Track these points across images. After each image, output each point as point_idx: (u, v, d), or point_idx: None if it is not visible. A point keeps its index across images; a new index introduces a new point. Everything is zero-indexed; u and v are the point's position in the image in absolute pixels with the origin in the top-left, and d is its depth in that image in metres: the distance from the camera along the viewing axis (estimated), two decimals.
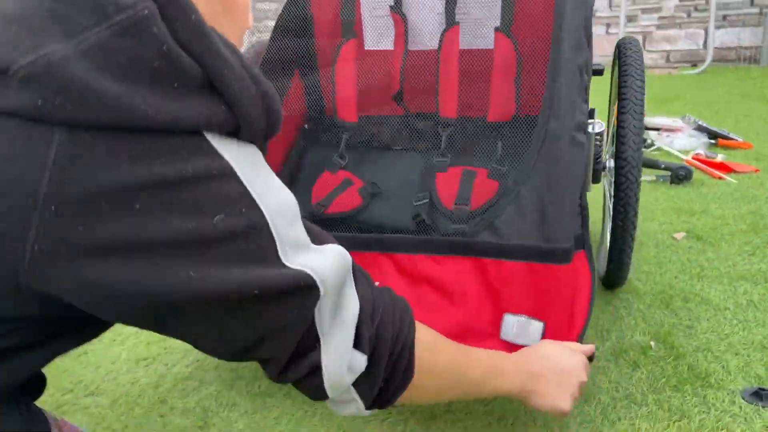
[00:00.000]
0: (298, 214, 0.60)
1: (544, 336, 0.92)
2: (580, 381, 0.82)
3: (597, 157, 1.45)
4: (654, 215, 1.83)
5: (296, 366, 0.60)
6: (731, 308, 1.29)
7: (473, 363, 0.78)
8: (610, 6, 4.94)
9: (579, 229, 0.94)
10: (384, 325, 0.66)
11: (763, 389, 1.01)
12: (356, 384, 0.63)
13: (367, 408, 0.67)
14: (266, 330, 0.56)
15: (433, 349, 0.74)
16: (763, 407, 0.98)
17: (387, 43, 1.41)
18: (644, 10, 4.85)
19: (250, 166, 0.55)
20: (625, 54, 1.29)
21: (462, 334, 0.95)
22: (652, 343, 1.18)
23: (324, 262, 0.59)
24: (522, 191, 0.92)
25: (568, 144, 0.92)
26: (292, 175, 1.37)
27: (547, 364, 0.82)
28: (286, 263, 0.55)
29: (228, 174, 0.53)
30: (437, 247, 0.97)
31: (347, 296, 0.62)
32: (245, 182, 0.54)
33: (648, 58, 4.92)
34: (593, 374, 1.09)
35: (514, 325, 0.92)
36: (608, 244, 1.50)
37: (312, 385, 0.61)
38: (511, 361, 0.81)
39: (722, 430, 0.94)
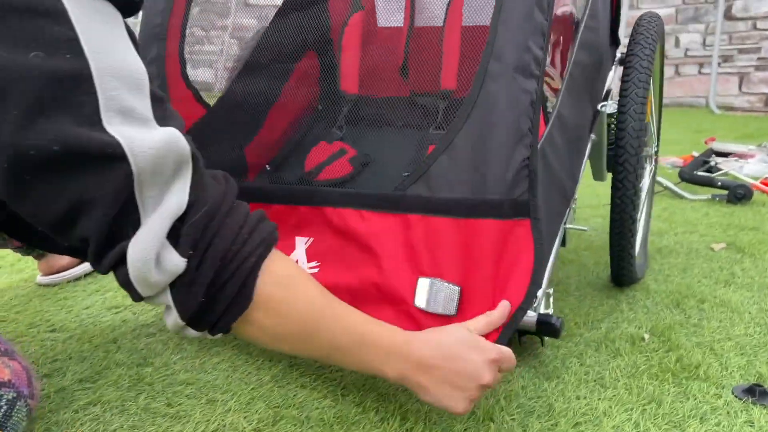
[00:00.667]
0: (145, 86, 0.56)
1: (460, 303, 0.81)
2: (480, 384, 0.69)
3: (612, 143, 1.35)
4: (696, 228, 1.67)
5: (110, 253, 0.56)
6: (752, 312, 1.13)
7: (340, 322, 0.69)
8: (704, 45, 4.71)
9: (524, 193, 0.84)
10: (221, 236, 0.60)
11: (759, 386, 0.87)
12: (173, 288, 0.59)
13: (188, 322, 0.62)
14: (73, 200, 0.53)
15: (287, 286, 0.66)
16: (753, 403, 0.84)
17: (398, 20, 1.39)
18: (741, 50, 4.59)
19: (92, 18, 0.53)
20: (637, 28, 1.20)
21: (380, 296, 0.87)
22: (646, 335, 1.05)
23: (147, 138, 0.54)
24: (456, 139, 0.84)
25: (506, 86, 0.82)
26: (293, 147, 1.37)
27: (441, 357, 0.69)
28: (106, 127, 0.52)
29: (58, 15, 0.51)
30: (364, 201, 0.90)
31: (175, 189, 0.57)
32: (78, 29, 0.51)
33: (744, 101, 4.63)
34: (564, 356, 0.98)
35: (426, 289, 0.81)
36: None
37: (123, 276, 0.57)
38: (397, 339, 0.70)
39: (696, 418, 0.81)
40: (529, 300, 0.84)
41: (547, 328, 0.92)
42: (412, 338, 0.71)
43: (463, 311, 0.82)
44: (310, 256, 0.96)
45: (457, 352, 0.70)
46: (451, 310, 0.82)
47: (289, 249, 0.95)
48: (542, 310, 1.02)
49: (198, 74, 1.16)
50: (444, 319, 0.82)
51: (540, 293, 0.96)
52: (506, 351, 0.74)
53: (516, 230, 0.82)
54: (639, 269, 1.30)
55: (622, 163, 1.11)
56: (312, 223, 0.96)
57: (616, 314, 1.13)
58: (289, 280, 0.66)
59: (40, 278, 1.32)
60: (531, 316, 0.93)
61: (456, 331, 0.73)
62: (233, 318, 0.62)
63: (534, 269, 0.85)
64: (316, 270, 0.93)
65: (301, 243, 0.97)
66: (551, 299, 1.04)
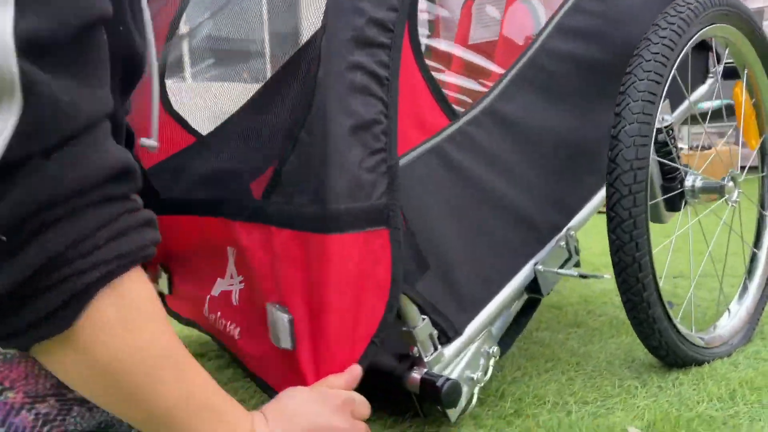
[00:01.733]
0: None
1: (294, 335, 0.63)
2: None
3: (670, 171, 0.99)
4: None
5: None
6: None
7: (182, 385, 0.50)
8: None
9: (383, 195, 0.63)
10: (72, 222, 0.43)
11: None
12: None
13: None
14: None
15: (131, 319, 0.47)
16: None
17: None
18: None
19: None
20: (660, 16, 0.88)
21: (257, 321, 0.72)
22: (634, 429, 0.70)
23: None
24: (301, 134, 0.66)
25: (334, 62, 0.62)
26: None
27: (289, 424, 0.57)
28: None
29: None
30: (241, 211, 0.75)
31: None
32: None
33: None
34: None
35: (270, 318, 0.66)
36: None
37: None
38: (243, 425, 0.54)
39: None
40: (382, 329, 0.63)
41: (429, 392, 0.67)
42: (257, 420, 0.56)
43: (304, 344, 0.64)
44: (238, 268, 0.83)
45: (303, 411, 0.59)
46: (287, 343, 0.65)
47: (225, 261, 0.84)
48: (476, 376, 0.75)
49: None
50: (288, 355, 0.65)
51: (451, 349, 0.71)
52: (356, 395, 0.61)
53: (371, 242, 0.63)
54: (707, 349, 0.91)
55: (613, 207, 0.80)
56: (201, 231, 0.85)
57: (619, 398, 0.78)
58: (139, 312, 0.48)
59: None
60: (418, 372, 0.69)
61: (297, 393, 0.60)
62: (37, 338, 0.45)
63: (390, 291, 0.63)
64: (242, 285, 0.81)
65: (231, 254, 0.85)
66: (491, 361, 0.77)
